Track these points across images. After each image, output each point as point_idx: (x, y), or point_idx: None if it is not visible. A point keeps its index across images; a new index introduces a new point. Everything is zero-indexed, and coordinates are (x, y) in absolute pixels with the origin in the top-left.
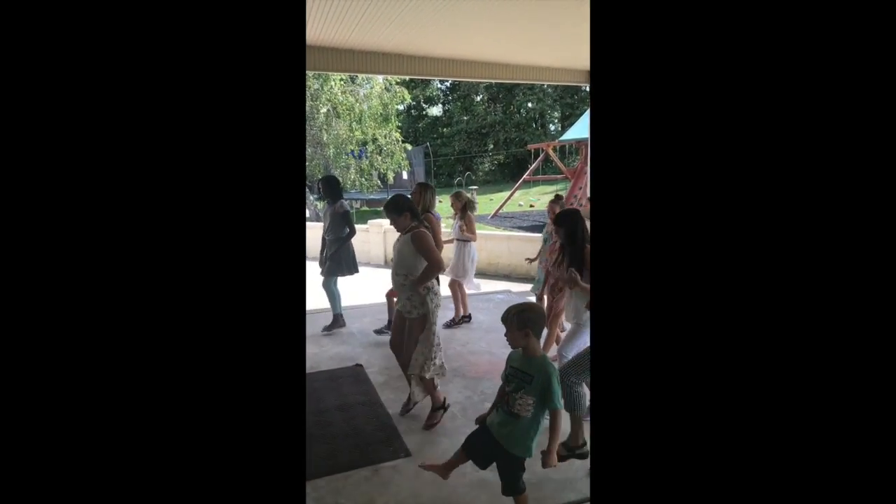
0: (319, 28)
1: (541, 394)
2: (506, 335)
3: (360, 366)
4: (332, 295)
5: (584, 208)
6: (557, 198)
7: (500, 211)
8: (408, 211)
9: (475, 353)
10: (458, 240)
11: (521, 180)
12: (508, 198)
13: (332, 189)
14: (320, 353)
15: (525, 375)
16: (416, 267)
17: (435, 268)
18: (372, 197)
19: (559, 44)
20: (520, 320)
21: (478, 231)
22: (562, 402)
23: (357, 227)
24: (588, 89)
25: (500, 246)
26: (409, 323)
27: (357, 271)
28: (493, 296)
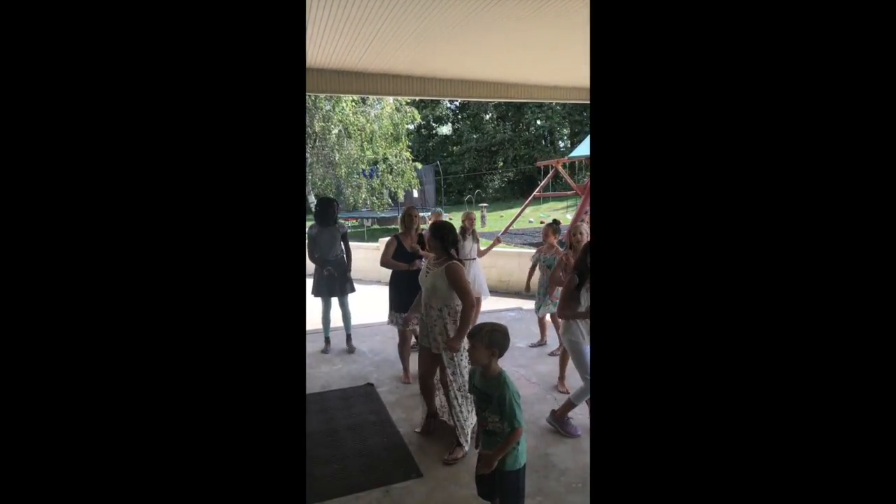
0: (331, 51)
1: (500, 412)
2: (469, 350)
3: (372, 385)
4: (349, 314)
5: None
6: (555, 222)
7: (511, 228)
8: (449, 243)
9: None
10: (468, 259)
11: (531, 197)
12: (519, 214)
13: (331, 211)
14: (332, 372)
15: (485, 395)
16: (451, 299)
17: (471, 306)
18: (383, 215)
19: (566, 63)
20: (490, 340)
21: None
22: (520, 421)
23: (368, 244)
24: None
25: (511, 262)
26: (437, 359)
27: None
28: (504, 313)
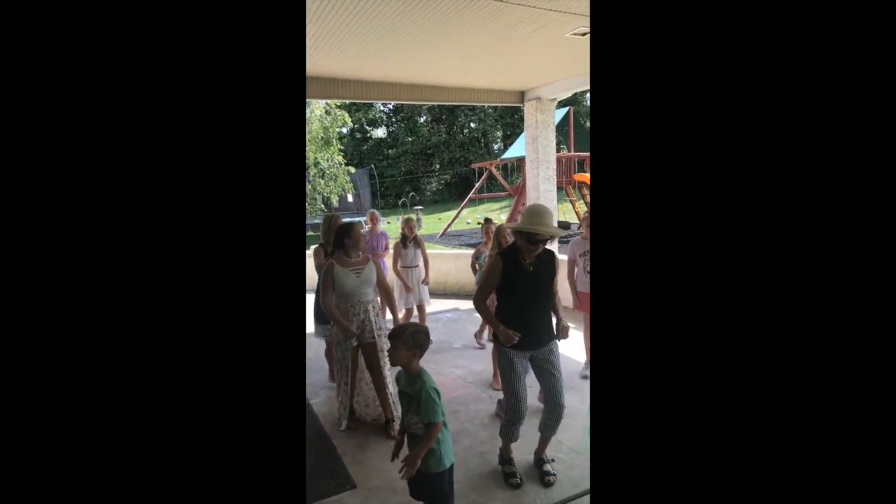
0: None
1: (418, 409)
2: (389, 350)
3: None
4: None
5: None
6: (487, 220)
7: (448, 229)
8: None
9: None
10: (411, 267)
11: (467, 199)
12: (456, 216)
13: None
14: None
15: (409, 396)
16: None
17: (391, 295)
18: (316, 222)
19: (496, 66)
20: (413, 341)
21: (427, 250)
22: (438, 416)
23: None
24: (525, 110)
25: (448, 264)
26: (371, 347)
27: None
28: (441, 315)
